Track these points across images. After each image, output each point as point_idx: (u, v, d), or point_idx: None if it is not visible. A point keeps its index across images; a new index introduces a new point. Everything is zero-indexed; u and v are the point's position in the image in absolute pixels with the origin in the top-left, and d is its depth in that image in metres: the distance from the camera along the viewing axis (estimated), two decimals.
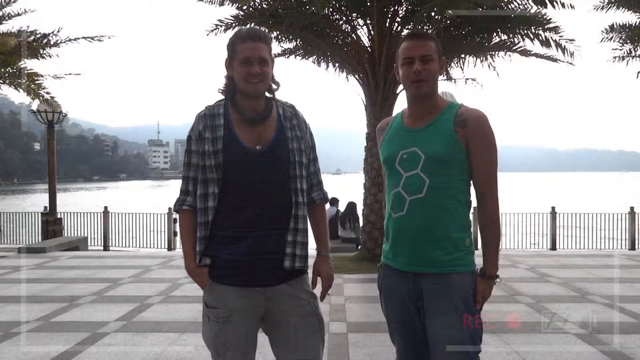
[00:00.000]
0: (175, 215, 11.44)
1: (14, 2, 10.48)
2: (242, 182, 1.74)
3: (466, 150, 1.73)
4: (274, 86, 1.86)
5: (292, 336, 1.78)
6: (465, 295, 1.71)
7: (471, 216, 1.93)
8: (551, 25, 7.59)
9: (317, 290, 1.92)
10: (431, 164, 1.72)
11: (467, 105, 1.81)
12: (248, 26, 7.84)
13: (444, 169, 1.73)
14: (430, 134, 1.76)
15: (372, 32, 7.77)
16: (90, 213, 13.04)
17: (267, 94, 1.85)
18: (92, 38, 10.83)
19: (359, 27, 8.01)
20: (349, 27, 8.09)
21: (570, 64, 8.26)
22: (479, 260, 1.81)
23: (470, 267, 1.76)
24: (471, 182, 1.80)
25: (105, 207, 12.89)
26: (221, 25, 8.09)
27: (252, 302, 1.76)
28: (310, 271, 1.90)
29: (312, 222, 1.94)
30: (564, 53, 7.98)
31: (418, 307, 1.76)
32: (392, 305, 1.84)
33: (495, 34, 8.00)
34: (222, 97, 1.86)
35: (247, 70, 1.74)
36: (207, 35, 8.30)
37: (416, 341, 1.80)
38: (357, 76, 8.24)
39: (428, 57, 1.74)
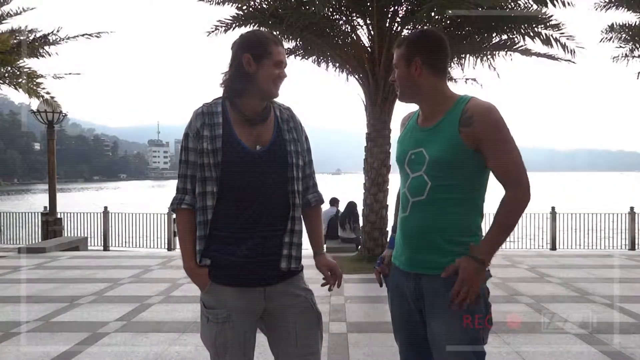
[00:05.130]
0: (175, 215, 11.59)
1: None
2: (240, 182, 1.73)
3: (474, 150, 1.64)
4: None
5: (292, 332, 1.79)
6: None
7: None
8: (552, 22, 7.59)
9: (324, 289, 1.94)
10: (434, 166, 1.68)
11: (477, 98, 1.70)
12: (250, 27, 7.81)
13: (447, 172, 1.67)
14: (435, 135, 1.71)
15: (372, 32, 7.78)
16: (90, 213, 13.04)
17: None
18: (90, 35, 10.87)
19: (359, 27, 8.02)
20: (349, 27, 8.09)
21: (572, 61, 8.26)
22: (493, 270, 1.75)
23: None
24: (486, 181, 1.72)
25: (105, 207, 12.89)
26: (221, 26, 8.10)
27: (251, 302, 1.76)
28: (306, 270, 1.91)
29: (309, 223, 1.95)
30: (564, 51, 7.98)
31: (419, 308, 1.76)
32: (396, 303, 1.85)
33: (495, 33, 8.01)
34: (219, 94, 1.85)
35: (280, 72, 1.78)
36: (208, 35, 8.31)
37: (417, 340, 1.80)
38: (357, 76, 8.24)
39: (394, 66, 1.80)
